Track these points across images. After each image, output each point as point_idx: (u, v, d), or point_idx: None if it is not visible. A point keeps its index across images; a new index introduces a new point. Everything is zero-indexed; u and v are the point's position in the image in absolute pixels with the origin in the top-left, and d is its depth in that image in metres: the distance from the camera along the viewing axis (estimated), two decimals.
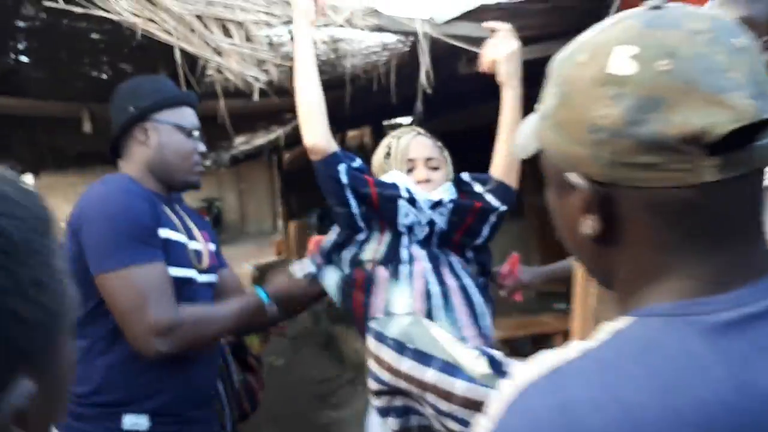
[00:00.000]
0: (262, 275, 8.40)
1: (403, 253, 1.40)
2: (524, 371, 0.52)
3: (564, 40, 0.59)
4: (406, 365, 0.97)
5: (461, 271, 1.44)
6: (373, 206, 1.44)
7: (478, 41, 3.34)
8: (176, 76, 2.25)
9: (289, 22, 2.63)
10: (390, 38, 3.11)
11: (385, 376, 1.00)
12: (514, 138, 0.68)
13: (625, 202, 0.52)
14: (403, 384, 0.98)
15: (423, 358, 0.96)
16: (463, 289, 1.36)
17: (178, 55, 2.13)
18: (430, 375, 0.94)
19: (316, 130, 1.47)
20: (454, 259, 1.46)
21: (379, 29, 2.90)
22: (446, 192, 1.53)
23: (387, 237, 1.43)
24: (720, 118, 0.47)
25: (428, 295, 1.31)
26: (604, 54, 0.51)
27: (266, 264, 9.05)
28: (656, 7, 0.52)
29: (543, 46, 3.50)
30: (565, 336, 3.73)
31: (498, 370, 0.97)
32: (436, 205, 1.48)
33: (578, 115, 0.52)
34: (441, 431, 0.97)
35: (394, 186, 1.46)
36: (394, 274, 1.35)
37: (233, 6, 2.27)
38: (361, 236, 1.46)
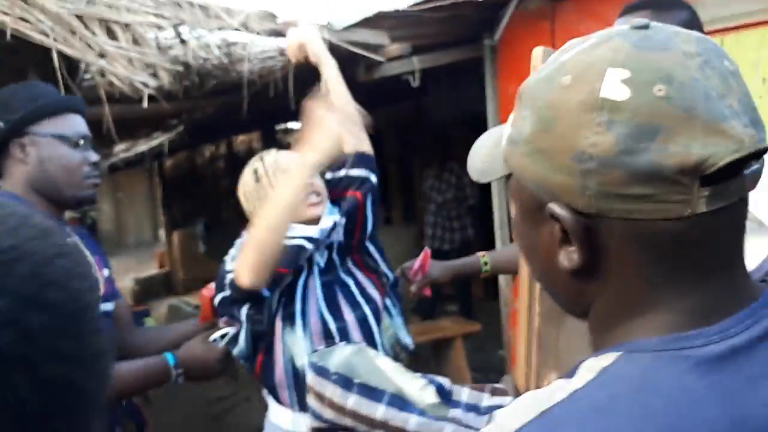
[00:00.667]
0: (143, 289, 7.92)
1: (298, 292, 1.41)
2: (510, 415, 0.48)
3: (458, 49, 0.56)
4: (353, 401, 0.92)
5: (359, 297, 1.45)
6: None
7: (377, 48, 3.35)
8: (53, 81, 2.03)
9: (179, 24, 2.47)
10: (287, 43, 3.03)
11: (327, 413, 0.93)
12: (469, 160, 0.64)
13: (610, 233, 0.49)
14: (348, 421, 0.92)
15: (372, 393, 0.91)
16: (362, 321, 1.40)
17: (55, 58, 1.91)
18: (380, 412, 0.90)
19: (261, 277, 1.35)
20: (351, 281, 1.47)
21: (276, 34, 2.80)
22: (330, 211, 1.52)
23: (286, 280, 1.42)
24: (721, 148, 0.45)
25: (327, 335, 1.34)
26: (593, 76, 0.48)
27: (148, 277, 8.54)
28: (643, 27, 0.50)
29: (437, 55, 3.56)
30: (463, 339, 3.84)
31: (446, 398, 0.94)
32: (332, 229, 1.47)
33: (563, 142, 0.49)
34: None
35: (299, 248, 1.39)
36: (289, 322, 1.37)
37: (118, 6, 2.08)
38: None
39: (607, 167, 0.46)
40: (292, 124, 7.73)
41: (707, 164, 0.45)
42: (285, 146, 8.53)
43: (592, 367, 0.49)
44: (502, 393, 0.96)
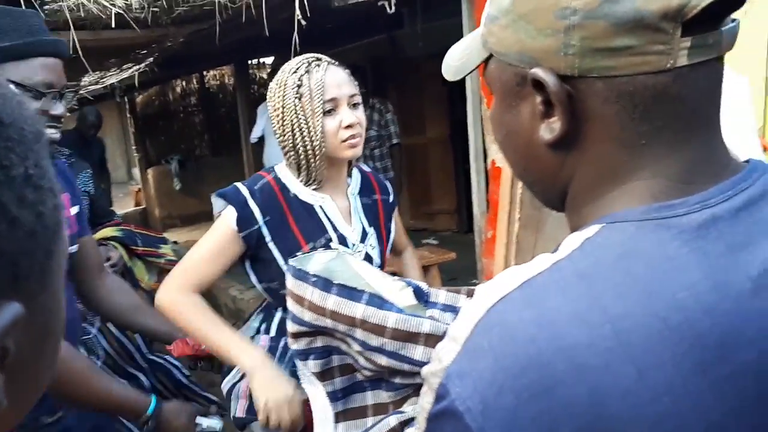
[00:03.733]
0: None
1: None
2: (490, 288, 0.48)
3: None
4: (332, 302, 0.93)
5: None
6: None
7: None
8: (12, 3, 1.96)
9: None
10: None
11: (307, 315, 0.96)
12: (444, 65, 0.64)
13: (591, 96, 0.49)
14: (327, 322, 0.94)
15: (351, 293, 0.93)
16: None
17: None
18: (360, 310, 0.91)
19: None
20: None
21: None
22: (363, 224, 1.43)
23: None
24: None
25: None
26: None
27: (124, 215, 8.44)
28: None
29: None
30: (439, 267, 3.94)
31: (424, 300, 0.98)
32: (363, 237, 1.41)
33: (545, 1, 0.49)
34: (366, 367, 0.96)
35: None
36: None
37: None
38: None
39: (589, 19, 0.47)
40: (265, 59, 7.55)
41: (689, 7, 0.44)
42: (259, 82, 8.34)
43: (575, 239, 0.49)
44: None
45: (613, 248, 0.47)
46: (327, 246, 1.32)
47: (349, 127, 1.31)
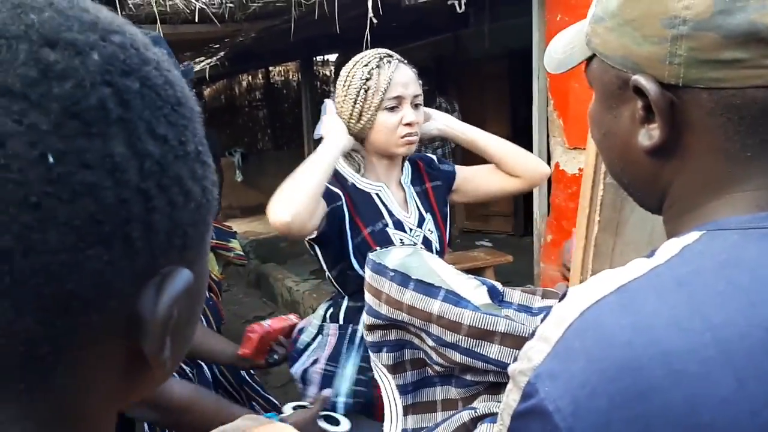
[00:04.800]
0: None
1: None
2: (584, 291, 0.47)
3: None
4: (409, 296, 0.95)
5: None
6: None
7: None
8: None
9: None
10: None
11: (383, 309, 0.98)
12: (546, 56, 0.64)
13: (695, 106, 0.48)
14: (404, 316, 0.96)
15: (428, 289, 0.94)
16: None
17: None
18: (437, 306, 0.93)
19: (296, 211, 1.23)
20: None
21: None
22: (417, 205, 1.46)
23: None
24: None
25: None
26: None
27: None
28: None
29: None
30: (495, 269, 3.91)
31: (498, 299, 0.98)
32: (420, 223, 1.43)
33: (653, 7, 0.47)
34: (438, 362, 0.98)
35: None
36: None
37: None
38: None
39: (699, 30, 0.45)
40: (329, 56, 7.65)
41: None
42: (323, 79, 8.44)
43: (673, 246, 0.48)
44: (554, 296, 0.99)
45: (715, 256, 0.46)
46: (383, 230, 1.38)
47: (408, 125, 1.36)
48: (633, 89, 0.51)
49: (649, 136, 0.51)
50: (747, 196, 0.49)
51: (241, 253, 2.40)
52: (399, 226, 1.41)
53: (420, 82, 1.43)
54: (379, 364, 1.03)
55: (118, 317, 0.31)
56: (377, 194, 1.43)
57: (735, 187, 0.49)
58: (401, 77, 1.37)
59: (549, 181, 3.26)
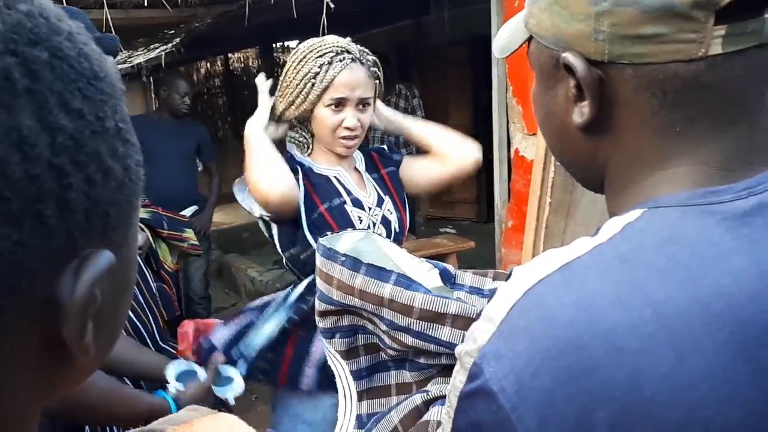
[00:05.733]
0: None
1: None
2: (528, 270, 0.47)
3: None
4: (360, 281, 0.94)
5: None
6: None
7: None
8: None
9: None
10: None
11: (335, 294, 0.97)
12: (494, 41, 0.64)
13: (622, 82, 0.49)
14: (355, 301, 0.95)
15: (379, 273, 0.94)
16: None
17: None
18: (388, 290, 0.92)
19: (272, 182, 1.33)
20: None
21: None
22: (373, 186, 1.48)
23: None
24: None
25: None
26: None
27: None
28: None
29: None
30: (457, 255, 3.94)
31: (450, 282, 0.99)
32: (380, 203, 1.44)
33: None
34: (391, 346, 0.97)
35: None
36: None
37: None
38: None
39: (619, 6, 0.46)
40: (289, 42, 7.55)
41: None
42: (283, 65, 8.37)
43: (615, 224, 0.48)
44: (504, 277, 1.00)
45: (655, 233, 0.46)
46: (341, 207, 1.39)
47: (348, 128, 1.38)
48: (563, 67, 0.51)
49: (581, 113, 0.52)
50: (682, 171, 0.50)
51: (196, 243, 2.36)
52: (357, 204, 1.42)
53: (377, 80, 1.43)
54: (333, 350, 1.02)
55: (33, 301, 0.29)
56: (335, 176, 1.45)
57: (669, 163, 0.50)
58: (349, 78, 1.36)
59: (509, 167, 3.29)
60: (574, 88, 0.52)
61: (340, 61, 1.35)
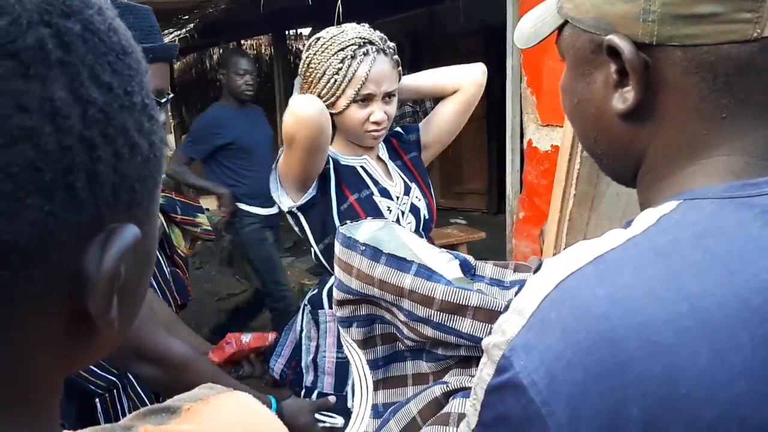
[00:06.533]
0: None
1: None
2: (559, 263, 0.46)
3: None
4: (381, 271, 0.93)
5: None
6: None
7: None
8: None
9: None
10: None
11: (354, 283, 0.96)
12: (516, 31, 0.62)
13: (670, 65, 0.47)
14: (375, 291, 0.94)
15: (399, 263, 0.93)
16: None
17: None
18: (408, 281, 0.91)
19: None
20: None
21: None
22: (400, 178, 1.47)
23: None
24: None
25: None
26: None
27: None
28: None
29: None
30: (468, 246, 3.93)
31: (471, 273, 0.98)
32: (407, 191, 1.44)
33: None
34: (409, 337, 0.97)
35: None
36: None
37: None
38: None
39: None
40: (302, 29, 7.52)
41: None
42: (296, 53, 8.33)
43: (650, 216, 0.47)
44: (526, 269, 0.99)
45: (692, 226, 0.45)
46: (370, 197, 1.38)
47: (375, 123, 1.36)
48: (607, 50, 0.50)
49: (623, 99, 0.50)
50: (721, 162, 0.48)
51: (209, 228, 2.36)
52: (385, 193, 1.42)
53: (399, 67, 1.41)
54: (350, 339, 1.02)
55: (61, 273, 0.29)
56: (362, 166, 1.44)
57: (709, 152, 0.49)
58: (375, 73, 1.33)
59: (521, 158, 3.27)
60: (615, 73, 0.50)
61: (365, 54, 1.32)
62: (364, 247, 0.94)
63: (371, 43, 1.34)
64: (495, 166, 5.78)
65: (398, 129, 1.59)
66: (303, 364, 1.42)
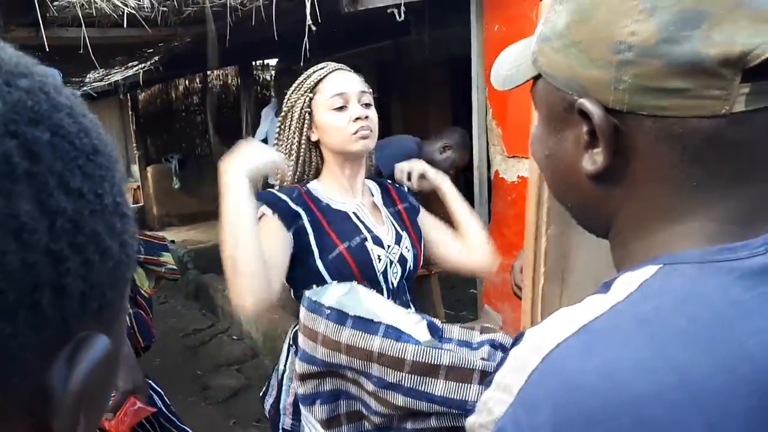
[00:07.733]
0: None
1: None
2: (543, 333, 0.45)
3: None
4: (348, 334, 0.89)
5: None
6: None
7: None
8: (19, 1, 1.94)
9: None
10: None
11: (319, 352, 0.90)
12: (493, 70, 0.62)
13: (640, 133, 0.47)
14: (342, 358, 0.89)
15: (366, 325, 0.89)
16: None
17: None
18: (377, 343, 0.87)
19: (259, 297, 1.07)
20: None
21: None
22: (391, 225, 1.44)
23: None
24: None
25: None
26: None
27: None
28: None
29: None
30: (438, 276, 3.92)
31: (438, 335, 0.95)
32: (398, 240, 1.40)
33: (600, 32, 0.46)
34: (377, 411, 0.91)
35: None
36: None
37: None
38: None
39: (644, 57, 0.45)
40: (269, 60, 7.54)
41: (752, 55, 0.42)
42: (263, 83, 8.33)
43: (630, 281, 0.46)
44: (492, 331, 0.97)
45: (674, 293, 0.44)
46: (362, 245, 1.34)
47: (358, 119, 1.34)
48: (578, 112, 0.49)
49: (592, 161, 0.50)
50: (697, 227, 0.48)
51: (174, 267, 2.30)
52: (377, 241, 1.37)
53: (369, 89, 1.42)
54: (312, 419, 0.96)
55: (23, 393, 0.27)
56: (354, 212, 1.40)
57: (683, 218, 0.48)
58: (342, 77, 1.37)
59: (489, 188, 3.29)
60: (587, 134, 0.49)
61: (334, 71, 1.38)
62: (329, 311, 0.91)
63: (339, 67, 1.40)
64: (463, 197, 5.82)
65: (401, 186, 1.57)
66: (281, 406, 1.38)
